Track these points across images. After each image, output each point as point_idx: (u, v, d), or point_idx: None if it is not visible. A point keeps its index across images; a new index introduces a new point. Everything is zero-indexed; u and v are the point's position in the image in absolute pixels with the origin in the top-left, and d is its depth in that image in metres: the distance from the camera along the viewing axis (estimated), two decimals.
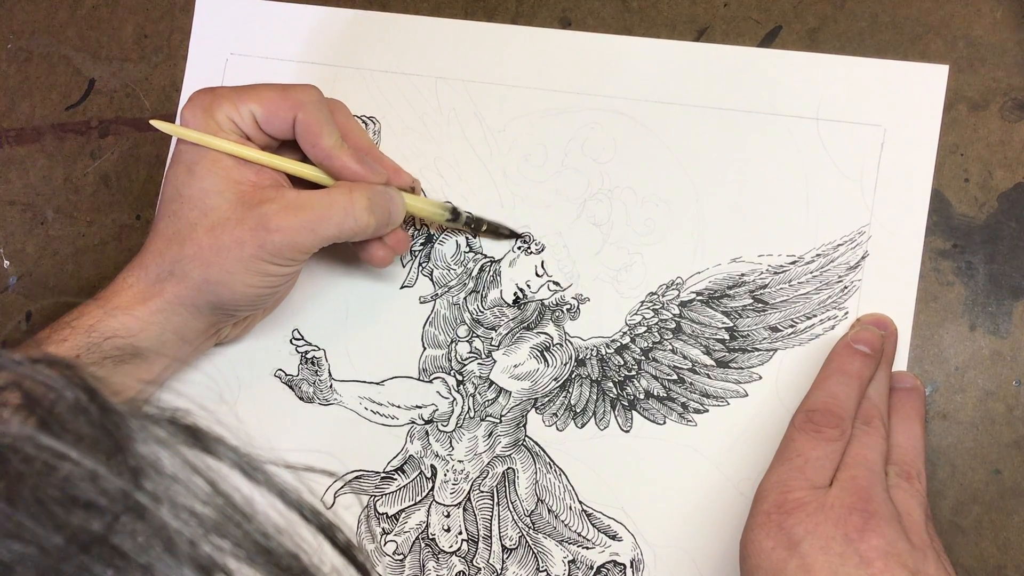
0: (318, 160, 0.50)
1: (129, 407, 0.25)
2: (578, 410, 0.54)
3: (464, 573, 0.54)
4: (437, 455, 0.55)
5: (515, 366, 0.55)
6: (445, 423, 0.55)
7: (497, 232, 0.55)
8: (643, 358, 0.54)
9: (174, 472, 0.24)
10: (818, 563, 0.41)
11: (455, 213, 0.54)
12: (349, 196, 0.49)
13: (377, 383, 0.56)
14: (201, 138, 0.49)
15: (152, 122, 0.51)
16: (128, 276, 0.50)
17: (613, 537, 0.53)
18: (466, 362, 0.56)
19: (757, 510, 0.44)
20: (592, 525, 0.53)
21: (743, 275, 0.53)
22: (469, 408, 0.55)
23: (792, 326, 0.52)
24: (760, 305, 0.52)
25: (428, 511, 0.55)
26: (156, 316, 0.49)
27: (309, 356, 0.57)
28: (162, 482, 0.24)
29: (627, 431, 0.53)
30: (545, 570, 0.54)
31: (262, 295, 0.51)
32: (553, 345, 0.55)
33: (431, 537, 0.55)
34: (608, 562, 0.53)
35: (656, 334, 0.54)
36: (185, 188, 0.49)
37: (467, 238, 0.56)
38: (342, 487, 0.56)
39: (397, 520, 0.55)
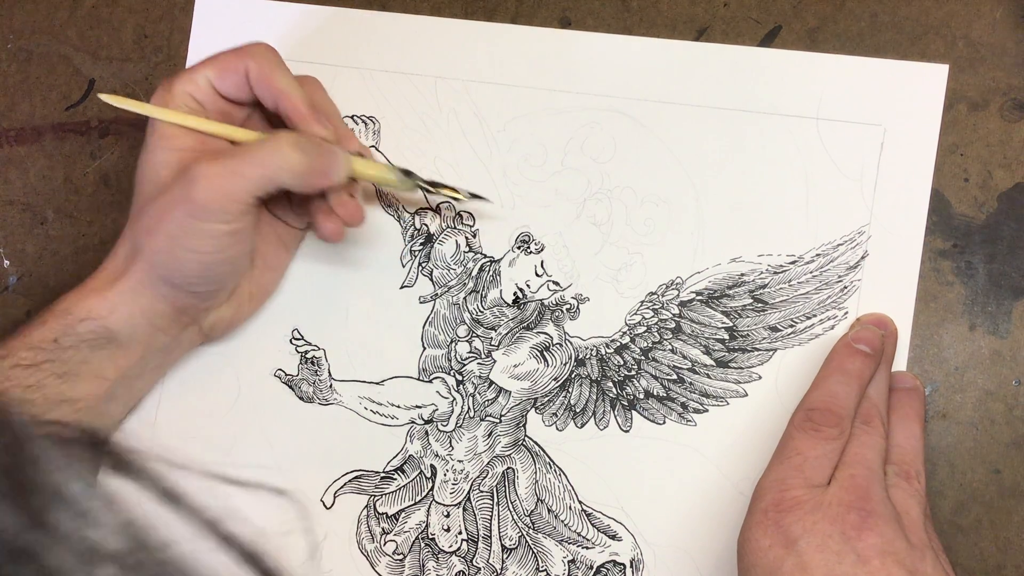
0: (274, 103, 0.50)
1: (36, 426, 0.22)
2: (578, 410, 0.54)
3: (464, 573, 0.54)
4: (437, 455, 0.55)
5: (515, 366, 0.55)
6: (445, 423, 0.55)
7: (455, 194, 0.53)
8: (643, 358, 0.54)
9: (81, 498, 0.22)
10: (815, 561, 0.41)
11: (406, 174, 0.52)
12: (275, 137, 0.49)
13: (377, 383, 0.56)
14: (133, 105, 0.50)
15: (100, 96, 0.52)
16: (106, 260, 0.51)
17: (613, 537, 0.53)
18: (466, 362, 0.56)
19: (755, 508, 0.44)
20: (592, 525, 0.53)
21: (743, 275, 0.53)
22: (469, 408, 0.55)
23: (792, 326, 0.52)
24: (760, 305, 0.52)
25: (428, 511, 0.55)
26: (123, 297, 0.50)
27: (309, 356, 0.57)
28: (69, 510, 0.22)
29: (627, 431, 0.53)
30: (545, 570, 0.54)
31: (208, 262, 0.49)
32: (553, 345, 0.55)
33: (431, 537, 0.55)
34: (608, 562, 0.53)
35: (656, 334, 0.54)
36: (143, 165, 0.51)
37: (466, 237, 0.56)
38: (342, 487, 0.56)
39: (397, 520, 0.55)
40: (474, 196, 0.54)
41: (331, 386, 0.57)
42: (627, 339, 0.54)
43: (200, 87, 0.50)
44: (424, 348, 0.56)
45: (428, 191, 0.53)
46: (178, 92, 0.50)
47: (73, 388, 0.50)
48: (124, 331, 0.51)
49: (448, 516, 0.55)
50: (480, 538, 0.55)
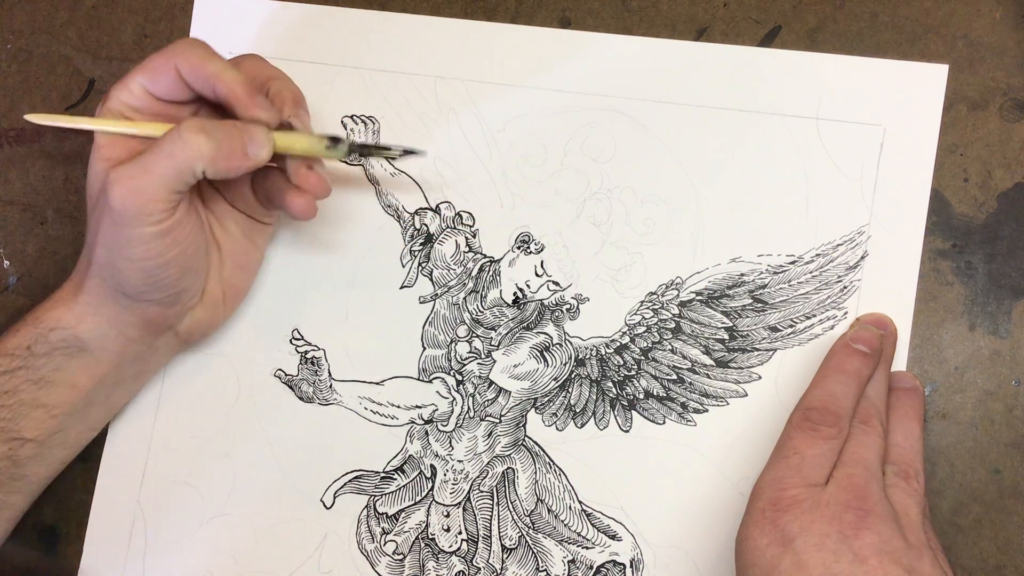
0: (212, 91, 0.49)
1: None
2: (578, 410, 0.54)
3: (464, 573, 0.54)
4: (437, 455, 0.55)
5: (515, 366, 0.55)
6: (445, 423, 0.55)
7: (388, 152, 0.52)
8: (643, 358, 0.54)
9: None
10: (812, 560, 0.41)
11: (334, 141, 0.50)
12: (179, 125, 0.47)
13: (377, 383, 0.56)
14: (55, 119, 0.51)
15: (26, 116, 0.53)
16: (74, 270, 0.52)
17: (613, 537, 0.53)
18: (466, 362, 0.56)
19: (752, 507, 0.44)
20: (592, 525, 0.53)
21: (743, 275, 0.53)
22: (469, 408, 0.55)
23: (791, 326, 0.52)
24: (760, 305, 0.52)
25: (428, 511, 0.55)
26: (88, 307, 0.50)
27: (309, 356, 0.57)
28: None
29: (627, 431, 0.53)
30: (545, 570, 0.54)
31: (148, 268, 0.48)
32: (553, 345, 0.55)
33: (431, 537, 0.55)
34: (608, 562, 0.53)
35: (656, 334, 0.54)
36: (89, 180, 0.50)
37: (466, 237, 0.56)
38: (342, 487, 0.56)
39: (397, 520, 0.55)
40: (407, 152, 0.52)
41: (331, 386, 0.57)
42: (627, 339, 0.54)
43: (134, 94, 0.49)
44: (424, 348, 0.56)
45: (361, 154, 0.52)
46: (113, 102, 0.49)
47: (48, 395, 0.51)
48: (94, 340, 0.51)
49: (448, 516, 0.55)
50: (480, 538, 0.55)
